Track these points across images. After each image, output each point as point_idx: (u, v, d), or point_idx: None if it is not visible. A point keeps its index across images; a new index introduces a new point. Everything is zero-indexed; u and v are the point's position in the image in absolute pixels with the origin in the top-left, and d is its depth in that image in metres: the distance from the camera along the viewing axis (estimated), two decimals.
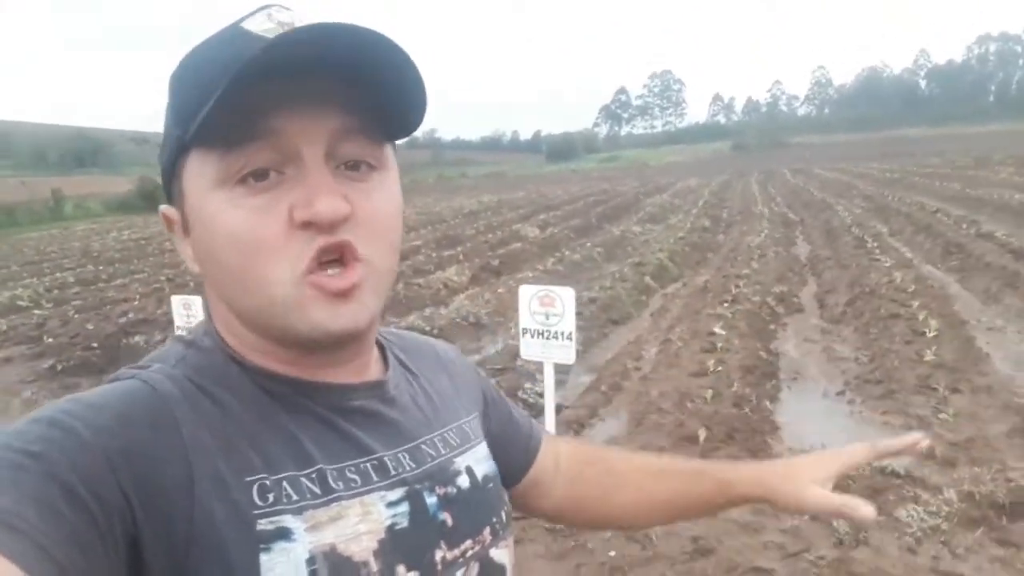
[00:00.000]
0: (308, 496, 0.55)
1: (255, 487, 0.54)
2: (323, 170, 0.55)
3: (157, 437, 0.52)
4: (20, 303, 10.09)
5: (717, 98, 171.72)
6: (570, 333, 3.50)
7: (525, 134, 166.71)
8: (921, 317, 5.84)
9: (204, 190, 0.56)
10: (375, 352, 0.70)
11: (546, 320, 3.53)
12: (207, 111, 0.50)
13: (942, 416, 4.14)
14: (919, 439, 0.78)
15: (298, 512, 0.54)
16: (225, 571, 0.51)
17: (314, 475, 0.57)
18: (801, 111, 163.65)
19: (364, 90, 0.54)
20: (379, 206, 0.58)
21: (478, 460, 0.72)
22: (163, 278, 11.48)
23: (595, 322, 6.90)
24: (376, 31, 0.52)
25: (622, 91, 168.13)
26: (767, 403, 4.54)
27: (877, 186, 21.30)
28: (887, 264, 8.32)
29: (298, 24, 0.54)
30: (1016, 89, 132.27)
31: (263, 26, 0.55)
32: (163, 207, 0.63)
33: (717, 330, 5.76)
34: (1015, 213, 11.85)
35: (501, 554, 0.69)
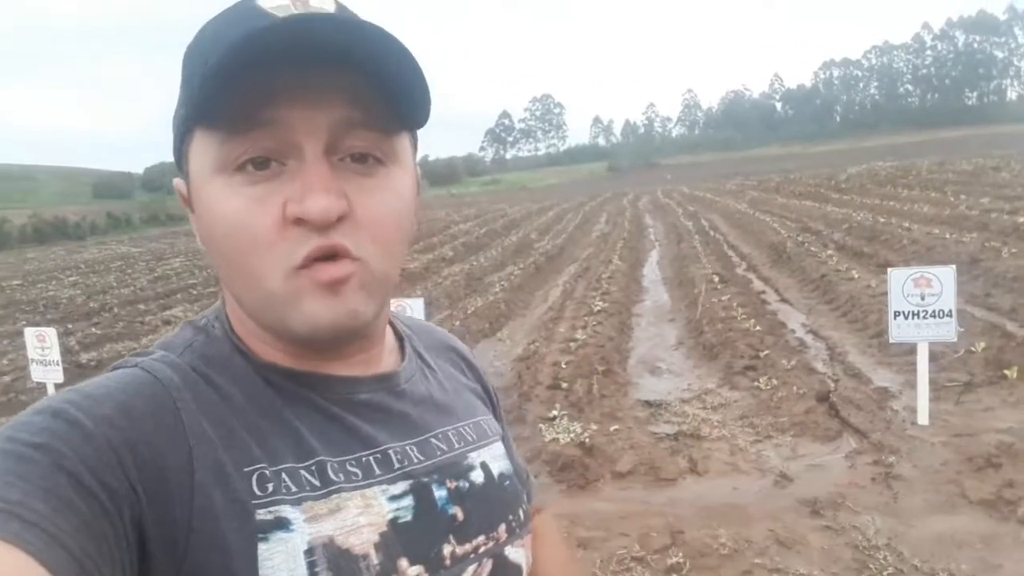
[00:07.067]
0: (307, 488, 0.55)
1: (254, 477, 0.54)
2: (321, 165, 0.54)
3: (159, 427, 0.52)
4: None
5: (597, 120, 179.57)
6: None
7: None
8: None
9: (205, 173, 0.55)
10: (391, 343, 0.70)
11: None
12: (200, 95, 0.50)
13: None
14: None
15: (296, 503, 0.54)
16: (224, 560, 0.50)
17: (314, 467, 0.57)
18: (675, 132, 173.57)
19: (367, 81, 0.53)
20: (381, 205, 0.56)
21: (495, 457, 0.71)
22: None
23: None
24: (371, 22, 0.52)
25: (505, 115, 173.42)
26: None
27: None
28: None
29: (312, 2, 0.54)
30: (859, 111, 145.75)
31: (275, 2, 0.53)
32: (176, 180, 0.62)
33: None
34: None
35: (517, 553, 0.68)
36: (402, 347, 0.72)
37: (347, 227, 0.55)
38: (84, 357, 8.45)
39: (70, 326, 10.93)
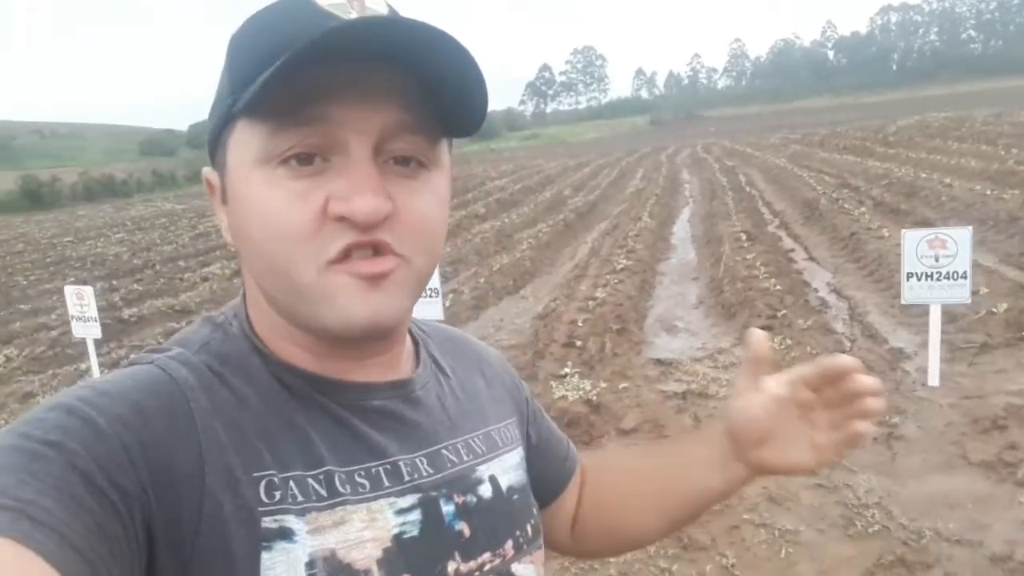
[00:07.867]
0: (313, 498, 0.55)
1: (262, 483, 0.53)
2: (368, 165, 0.54)
3: (172, 428, 0.52)
4: None
5: (640, 73, 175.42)
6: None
7: None
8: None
9: (246, 164, 0.55)
10: (408, 348, 0.69)
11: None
12: (259, 87, 0.50)
13: None
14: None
15: (301, 513, 0.54)
16: (228, 566, 0.50)
17: (321, 476, 0.56)
18: (720, 84, 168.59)
19: (424, 86, 0.53)
20: (423, 207, 0.57)
21: (504, 469, 0.70)
22: None
23: None
24: (440, 28, 0.51)
25: (545, 68, 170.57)
26: None
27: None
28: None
29: (368, 2, 0.55)
30: (917, 58, 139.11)
31: None
32: (206, 170, 0.62)
33: None
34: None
35: (526, 569, 0.67)
36: (417, 352, 0.71)
37: (390, 225, 0.55)
38: (126, 313, 8.85)
39: (115, 282, 11.40)
